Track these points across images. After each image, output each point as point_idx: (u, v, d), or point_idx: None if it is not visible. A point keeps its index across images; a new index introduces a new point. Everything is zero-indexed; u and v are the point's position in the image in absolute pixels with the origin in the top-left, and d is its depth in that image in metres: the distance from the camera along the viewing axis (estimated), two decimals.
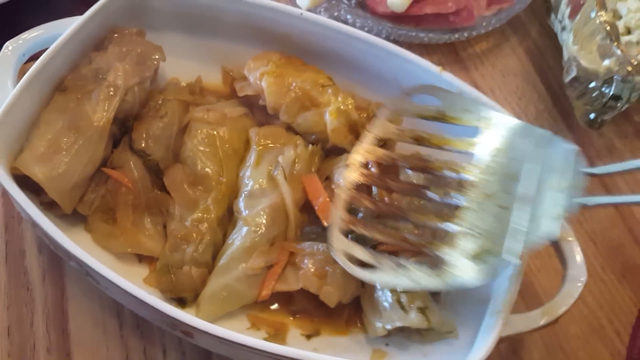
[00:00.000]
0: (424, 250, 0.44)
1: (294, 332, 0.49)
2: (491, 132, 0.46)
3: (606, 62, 0.58)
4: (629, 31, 0.64)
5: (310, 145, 0.54)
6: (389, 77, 0.56)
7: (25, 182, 0.47)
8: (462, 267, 0.41)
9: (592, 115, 0.61)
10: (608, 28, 0.57)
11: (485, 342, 0.42)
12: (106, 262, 0.44)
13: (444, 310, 0.48)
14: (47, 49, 0.51)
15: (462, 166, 0.45)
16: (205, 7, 0.57)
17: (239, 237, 0.50)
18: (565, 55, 0.63)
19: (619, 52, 0.56)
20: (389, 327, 0.46)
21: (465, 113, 0.48)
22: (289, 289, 0.49)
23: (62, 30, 0.52)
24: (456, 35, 0.69)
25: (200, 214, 0.50)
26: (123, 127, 0.53)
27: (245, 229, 0.50)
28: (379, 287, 0.48)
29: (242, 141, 0.55)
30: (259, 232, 0.49)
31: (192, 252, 0.49)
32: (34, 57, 0.52)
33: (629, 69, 0.56)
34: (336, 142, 0.54)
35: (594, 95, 0.60)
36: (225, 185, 0.52)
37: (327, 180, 0.53)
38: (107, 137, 0.51)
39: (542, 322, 0.45)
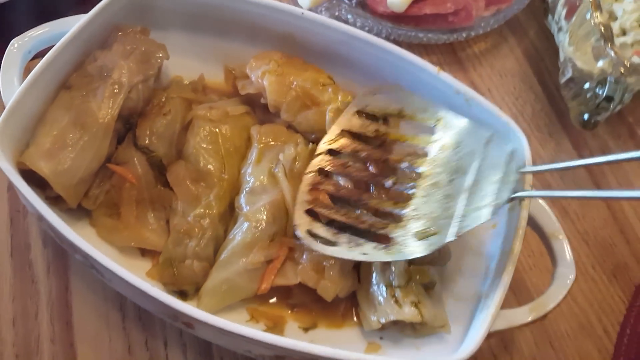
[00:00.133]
0: (376, 230, 0.49)
1: (292, 325, 0.51)
2: (445, 130, 0.51)
3: (600, 64, 0.58)
4: (624, 32, 0.64)
5: (310, 144, 0.55)
6: (389, 77, 0.56)
7: (31, 177, 0.48)
8: (408, 244, 0.47)
9: (586, 116, 0.62)
10: (602, 29, 0.58)
11: (476, 336, 0.44)
12: (110, 256, 0.45)
13: (436, 305, 0.49)
14: (52, 46, 0.52)
15: (415, 159, 0.51)
16: (208, 6, 0.58)
17: (240, 233, 0.51)
18: (562, 56, 0.64)
19: (612, 53, 0.57)
20: (383, 320, 0.48)
21: (423, 112, 0.53)
22: (288, 284, 0.50)
23: (68, 28, 0.52)
24: (455, 36, 0.69)
25: (202, 210, 0.51)
26: (127, 124, 0.54)
27: (246, 224, 0.51)
28: (374, 282, 0.49)
29: (244, 139, 0.56)
30: (260, 228, 0.50)
31: (194, 247, 0.50)
32: (39, 55, 0.53)
33: (622, 70, 0.57)
34: None
35: (588, 96, 0.60)
36: (227, 182, 0.53)
37: None
38: (112, 134, 0.52)
39: (530, 318, 0.46)
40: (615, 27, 0.64)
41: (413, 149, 0.52)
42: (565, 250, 0.49)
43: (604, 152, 0.66)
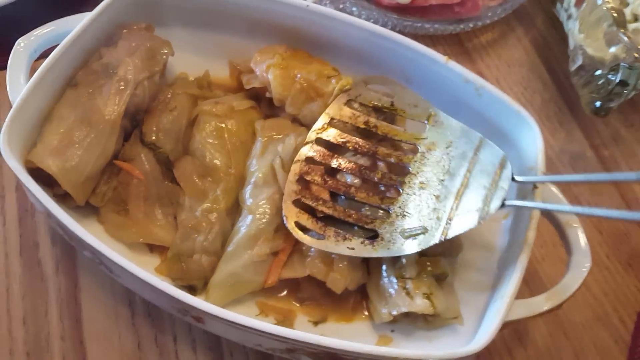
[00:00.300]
0: (363, 224, 0.48)
1: (302, 319, 0.50)
2: (436, 128, 0.51)
3: (612, 50, 0.58)
4: (635, 18, 0.63)
5: None
6: (395, 68, 0.56)
7: (39, 176, 0.48)
8: (396, 241, 0.47)
9: (598, 104, 0.61)
10: (615, 15, 0.57)
11: (490, 327, 0.43)
12: (118, 252, 0.45)
13: (449, 296, 0.48)
14: (58, 45, 0.52)
15: (404, 155, 0.51)
16: (211, 2, 0.58)
17: (244, 225, 0.51)
18: (571, 44, 0.63)
19: (625, 38, 0.56)
20: (394, 312, 0.47)
21: (414, 107, 0.52)
22: (296, 276, 0.50)
23: (73, 26, 0.53)
24: (461, 26, 0.69)
25: (209, 204, 0.51)
26: (134, 121, 0.54)
27: (250, 217, 0.51)
28: (384, 274, 0.49)
29: (250, 133, 0.56)
30: (263, 220, 0.50)
31: (202, 241, 0.50)
32: (45, 54, 0.53)
33: (636, 55, 0.56)
34: None
35: (599, 83, 0.60)
36: (234, 176, 0.53)
37: None
38: (119, 131, 0.52)
39: (545, 307, 0.46)
40: (627, 12, 0.63)
41: (402, 145, 0.52)
42: (580, 238, 0.48)
43: (616, 141, 0.65)
